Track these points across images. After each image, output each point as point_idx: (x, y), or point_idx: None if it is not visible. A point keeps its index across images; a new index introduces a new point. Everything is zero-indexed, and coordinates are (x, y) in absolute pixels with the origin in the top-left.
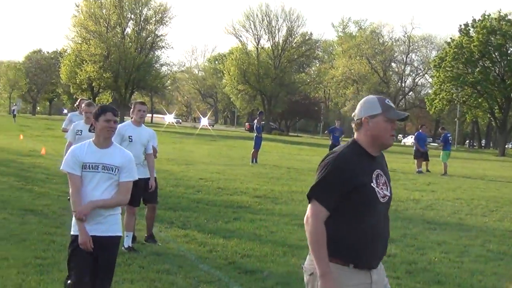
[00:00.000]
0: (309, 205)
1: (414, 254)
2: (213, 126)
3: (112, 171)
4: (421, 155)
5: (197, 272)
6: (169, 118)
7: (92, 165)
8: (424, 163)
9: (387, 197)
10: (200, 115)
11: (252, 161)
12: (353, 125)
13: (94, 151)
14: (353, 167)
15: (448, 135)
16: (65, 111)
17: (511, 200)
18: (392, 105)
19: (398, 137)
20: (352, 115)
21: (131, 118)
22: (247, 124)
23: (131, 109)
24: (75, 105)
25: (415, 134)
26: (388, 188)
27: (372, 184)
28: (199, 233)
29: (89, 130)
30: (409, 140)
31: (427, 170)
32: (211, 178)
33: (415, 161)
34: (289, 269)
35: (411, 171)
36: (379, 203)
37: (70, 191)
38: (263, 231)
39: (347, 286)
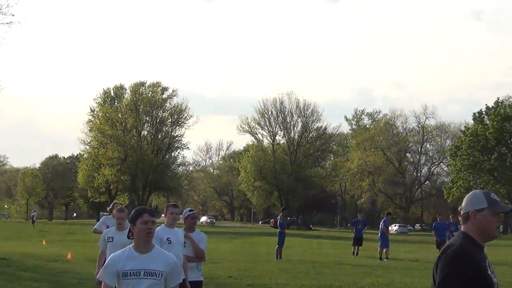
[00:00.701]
0: None
1: None
2: (213, 223)
3: (156, 276)
4: (440, 244)
5: None
6: (203, 219)
7: (133, 272)
8: None
9: (497, 284)
10: (202, 215)
11: (277, 257)
12: (460, 218)
13: (134, 257)
14: (473, 258)
15: None
16: (74, 214)
17: None
18: (498, 199)
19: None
20: (459, 208)
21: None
22: (272, 220)
23: (164, 212)
24: (108, 209)
25: (433, 224)
26: (495, 276)
27: (489, 273)
28: None
29: (128, 237)
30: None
31: None
32: (239, 275)
33: (438, 250)
34: None
35: (434, 260)
36: None
37: None
38: None
39: None
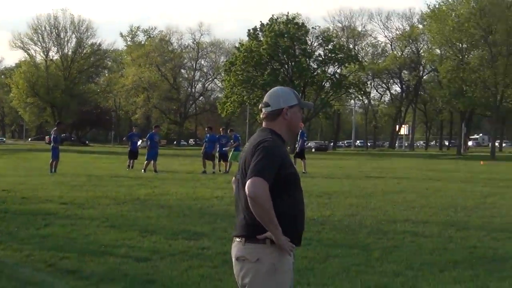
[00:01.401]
0: (252, 181)
1: (226, 246)
2: (3, 141)
3: None
4: (207, 156)
5: (19, 275)
6: None
7: None
8: (222, 163)
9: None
10: None
11: (51, 171)
12: (263, 116)
13: None
14: (283, 152)
15: (238, 135)
16: None
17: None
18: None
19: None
20: (260, 106)
21: None
22: (47, 137)
23: None
24: None
25: (206, 136)
26: None
27: (294, 165)
28: (12, 240)
29: None
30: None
31: (225, 171)
32: (13, 189)
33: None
34: (110, 266)
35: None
36: (300, 181)
37: None
38: (76, 234)
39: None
